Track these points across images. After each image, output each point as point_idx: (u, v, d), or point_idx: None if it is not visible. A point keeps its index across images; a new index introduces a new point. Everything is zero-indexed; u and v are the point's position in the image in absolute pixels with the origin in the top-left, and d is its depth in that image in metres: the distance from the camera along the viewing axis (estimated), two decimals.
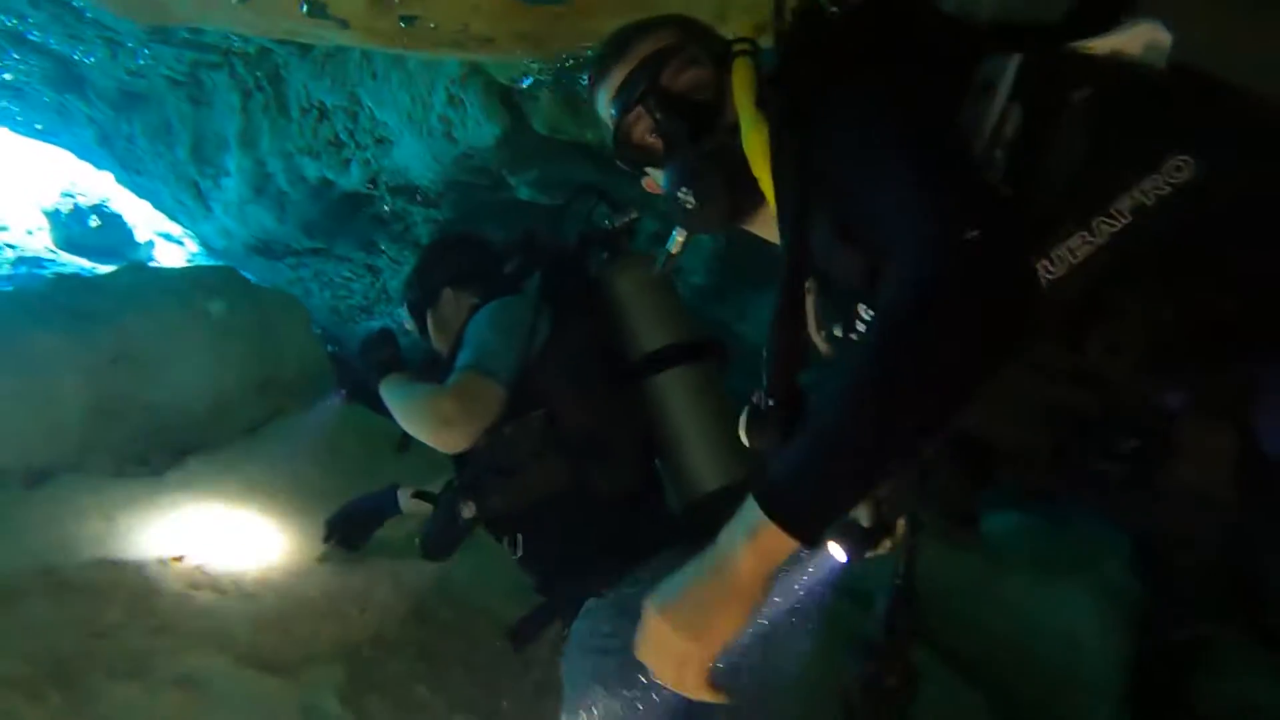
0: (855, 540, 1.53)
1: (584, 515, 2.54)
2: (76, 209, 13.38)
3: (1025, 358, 1.25)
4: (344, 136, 7.27)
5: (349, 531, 3.57)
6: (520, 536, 2.64)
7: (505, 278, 2.88)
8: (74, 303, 4.46)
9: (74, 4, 6.69)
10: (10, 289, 4.98)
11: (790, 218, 1.39)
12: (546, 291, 2.65)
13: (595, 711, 2.19)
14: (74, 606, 3.10)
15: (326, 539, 3.55)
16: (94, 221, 13.54)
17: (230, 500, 3.95)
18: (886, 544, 1.59)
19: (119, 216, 13.75)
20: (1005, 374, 1.12)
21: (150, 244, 14.19)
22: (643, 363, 2.54)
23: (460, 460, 2.66)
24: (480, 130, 5.85)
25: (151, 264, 6.12)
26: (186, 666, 2.97)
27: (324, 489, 4.02)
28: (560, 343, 2.57)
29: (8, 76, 8.56)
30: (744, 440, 1.50)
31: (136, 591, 3.22)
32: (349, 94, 6.78)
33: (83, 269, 12.32)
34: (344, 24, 3.13)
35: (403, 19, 3.04)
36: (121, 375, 4.40)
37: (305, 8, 2.95)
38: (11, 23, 7.22)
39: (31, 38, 7.56)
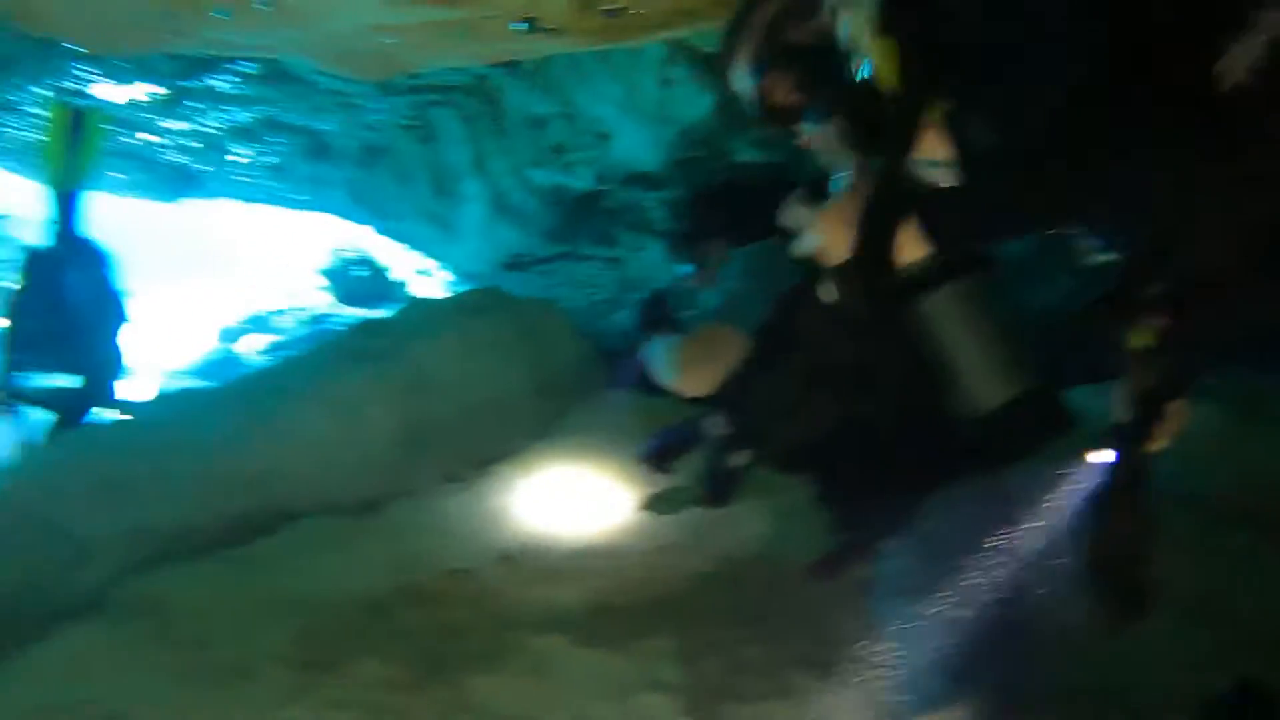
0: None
1: (865, 448, 2.54)
2: (346, 264, 14.63)
3: None
4: (565, 141, 7.54)
5: (661, 455, 3.64)
6: (808, 476, 2.67)
7: (761, 222, 2.90)
8: (368, 345, 4.90)
9: (308, 79, 7.30)
10: (316, 342, 5.53)
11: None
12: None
13: (913, 654, 2.20)
14: (430, 612, 3.44)
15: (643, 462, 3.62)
16: (362, 272, 14.74)
17: (542, 497, 4.24)
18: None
19: (377, 264, 14.89)
20: None
21: (409, 282, 15.27)
22: (910, 283, 2.51)
23: (725, 406, 2.72)
24: (695, 104, 5.94)
25: (422, 299, 6.66)
26: (534, 654, 3.22)
27: (624, 474, 4.25)
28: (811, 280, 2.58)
29: (271, 160, 9.46)
30: None
31: (480, 592, 3.54)
32: (562, 100, 7.03)
33: (363, 317, 13.45)
34: (556, 32, 3.27)
35: (607, 12, 3.14)
36: (418, 403, 4.80)
37: (525, 26, 3.11)
38: (267, 111, 7.96)
39: (283, 120, 8.31)
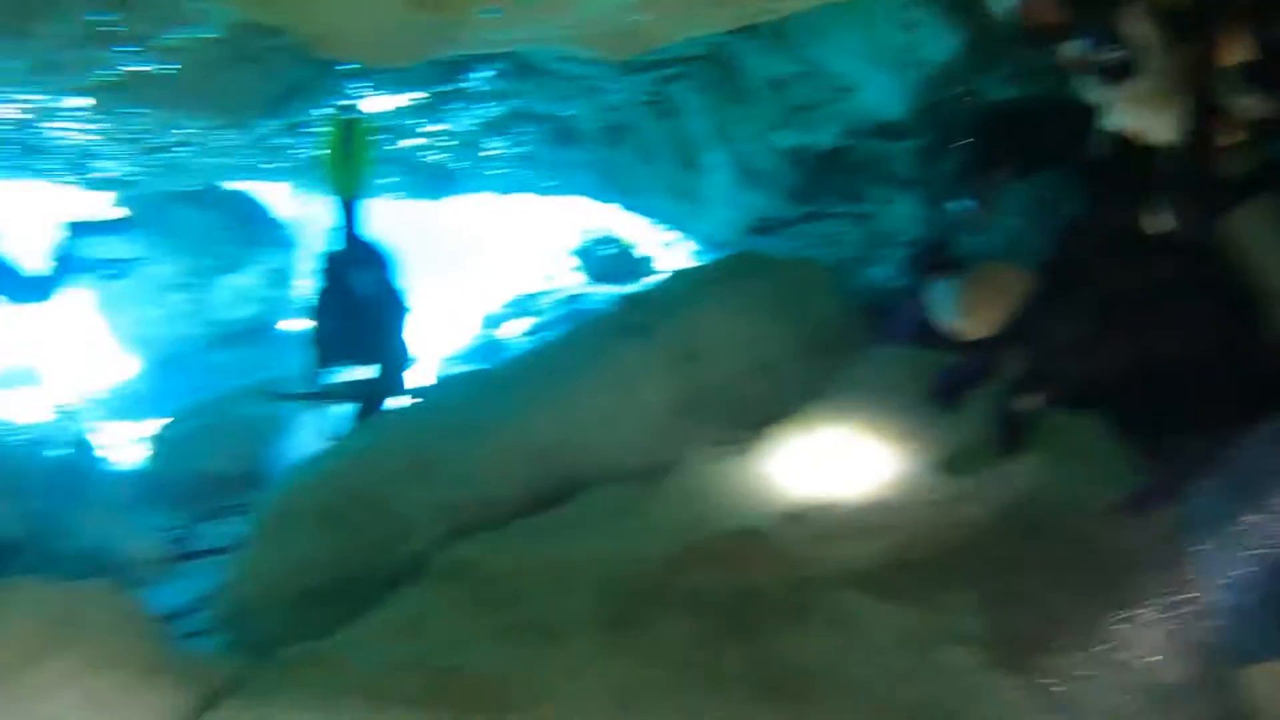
0: None
1: (1167, 382, 2.39)
2: (594, 244, 15.13)
3: None
4: (806, 100, 7.45)
5: (950, 389, 3.58)
6: (1104, 414, 2.55)
7: (1038, 155, 2.79)
8: (636, 318, 5.06)
9: (551, 69, 7.58)
10: (586, 320, 5.77)
11: None
12: (1077, 162, 2.53)
13: (1237, 599, 2.06)
14: (725, 572, 3.54)
15: (933, 396, 3.57)
16: (610, 250, 15.19)
17: (821, 456, 4.24)
18: None
19: (623, 241, 15.29)
20: None
21: (657, 256, 15.58)
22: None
23: (1013, 346, 2.63)
24: (943, 43, 5.71)
25: (683, 269, 6.82)
26: (834, 610, 3.25)
27: (902, 429, 4.19)
28: (1100, 208, 2.45)
29: (521, 150, 9.90)
30: None
31: (772, 551, 3.60)
32: (801, 59, 6.95)
33: (614, 293, 13.88)
34: None
35: None
36: (689, 370, 4.91)
37: None
38: (514, 104, 8.34)
39: (530, 110, 8.68)
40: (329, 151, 6.76)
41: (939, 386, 3.27)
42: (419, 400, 5.74)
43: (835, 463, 4.17)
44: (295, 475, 4.80)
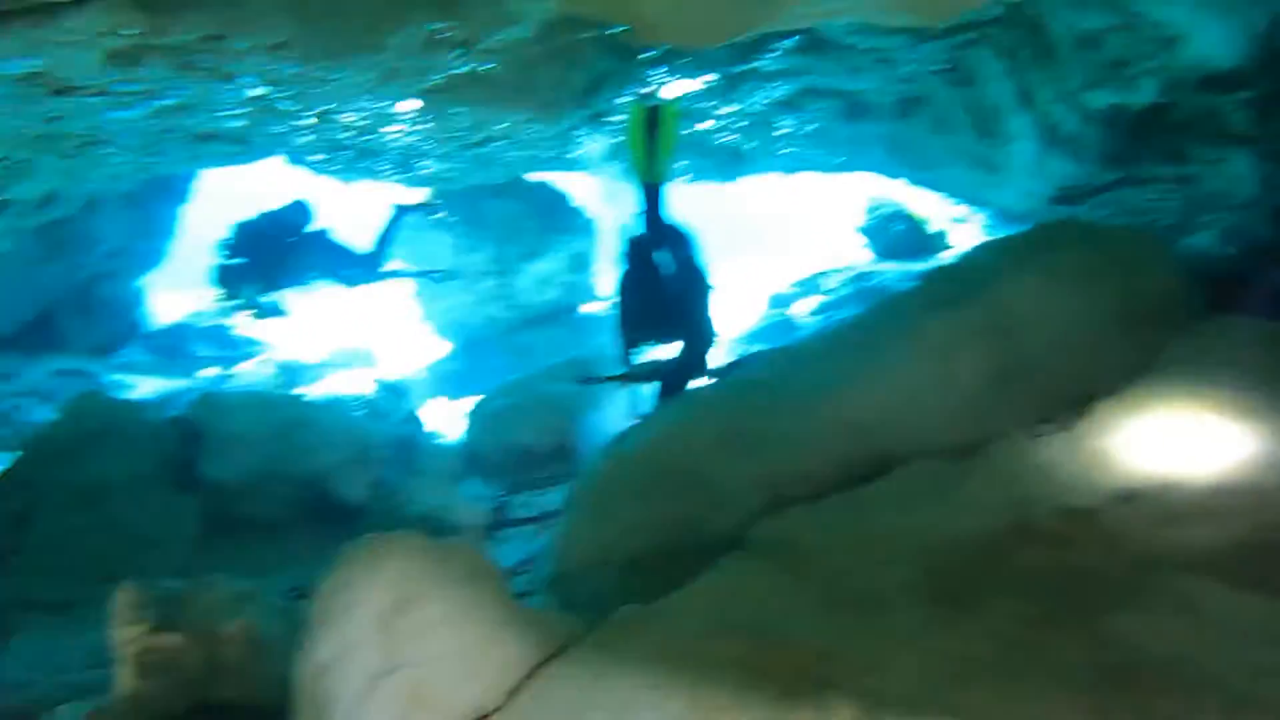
0: None
1: None
2: (881, 220, 14.81)
3: None
4: (1123, 55, 6.95)
5: None
6: None
7: None
8: (947, 291, 4.93)
9: (846, 42, 7.49)
10: (894, 292, 5.66)
11: None
12: None
13: None
14: (1054, 551, 3.40)
15: None
16: (899, 226, 14.82)
17: (1154, 435, 3.99)
18: None
19: (913, 216, 14.85)
20: None
21: (943, 232, 15.05)
22: None
23: None
24: None
25: (993, 239, 6.52)
26: (1180, 595, 3.05)
27: (1253, 405, 3.87)
28: None
29: (811, 127, 9.86)
30: None
31: (1105, 532, 3.42)
32: (1118, 9, 6.49)
33: (904, 270, 13.56)
34: None
35: None
36: (1005, 343, 4.73)
37: None
38: (807, 81, 8.33)
39: (821, 86, 8.62)
40: (632, 137, 6.99)
41: None
42: (729, 376, 5.82)
43: (1171, 441, 3.90)
44: (614, 448, 5.03)
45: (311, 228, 9.52)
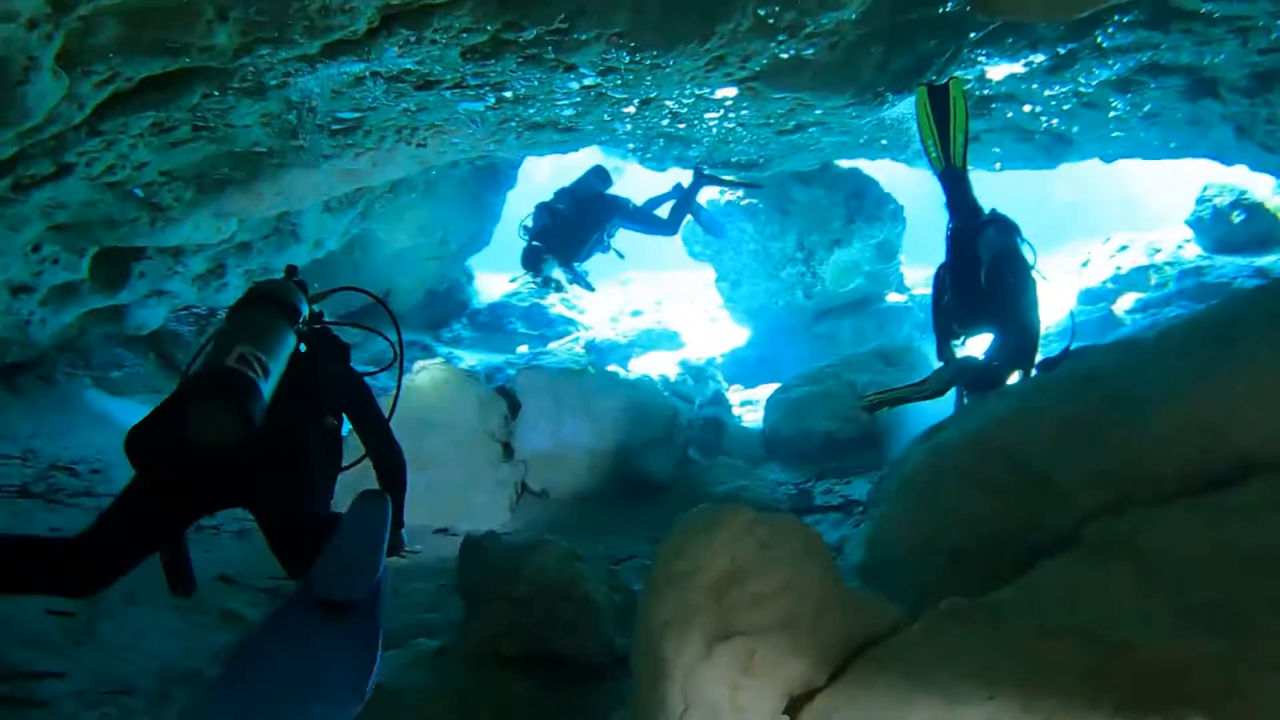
0: None
1: None
2: (1216, 211, 13.49)
3: None
4: None
5: None
6: None
7: None
8: None
9: (1200, 11, 6.87)
10: (1256, 288, 5.14)
11: None
12: None
13: None
14: None
15: None
16: (1235, 217, 13.44)
17: None
18: None
19: (1261, 205, 13.42)
20: None
21: None
22: None
23: None
24: None
25: None
26: None
27: None
28: None
29: (1146, 108, 9.13)
30: None
31: None
32: None
33: (1248, 262, 12.33)
34: None
35: None
36: None
37: None
38: (1148, 57, 7.72)
39: (1165, 62, 7.96)
40: (921, 125, 6.77)
41: None
42: (1060, 368, 5.53)
43: None
44: (932, 436, 4.91)
45: (612, 191, 10.11)
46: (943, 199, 6.80)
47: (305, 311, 3.74)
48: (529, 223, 10.07)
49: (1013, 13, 4.23)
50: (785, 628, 3.28)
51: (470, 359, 12.99)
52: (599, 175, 10.18)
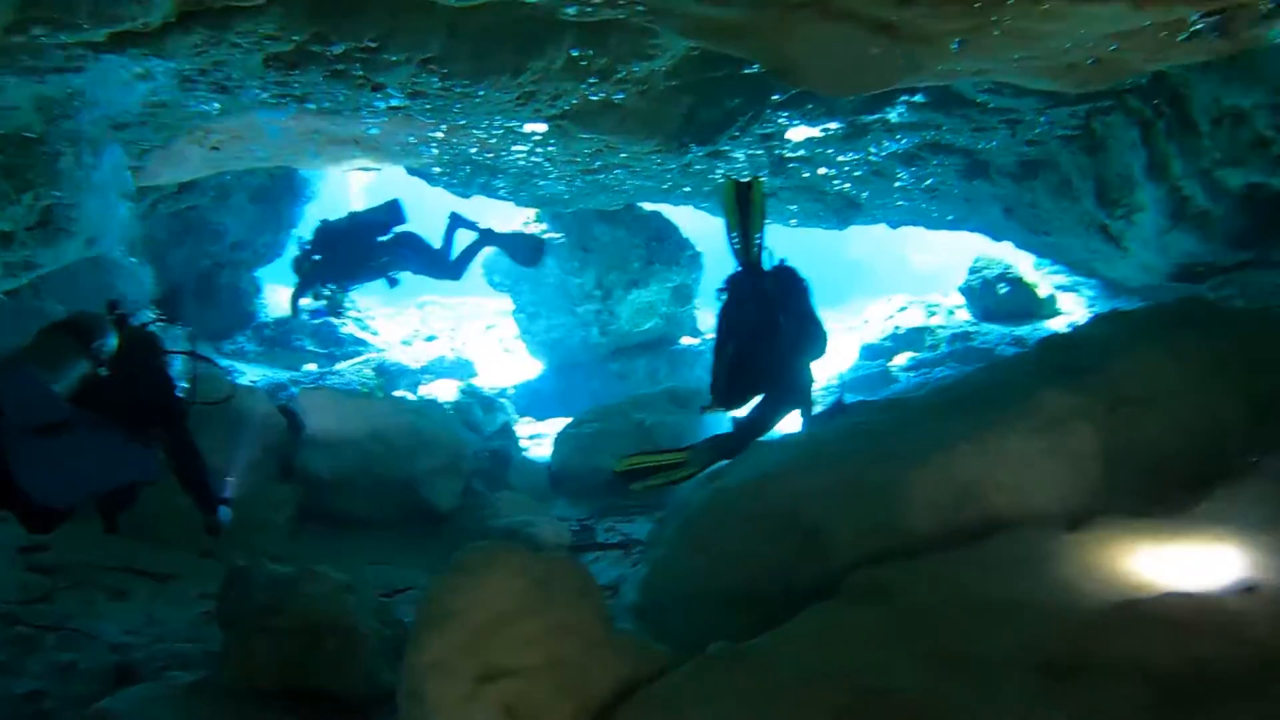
0: None
1: None
2: (985, 282, 14.58)
3: None
4: (1270, 134, 6.79)
5: None
6: None
7: None
8: (1066, 360, 4.85)
9: (977, 100, 7.45)
10: (1009, 356, 5.58)
11: None
12: None
13: None
14: (1169, 635, 3.30)
15: None
16: (1001, 289, 14.58)
17: (1275, 528, 3.85)
18: None
19: (1022, 280, 14.61)
20: None
21: (1052, 297, 14.77)
22: None
23: None
24: None
25: (1117, 311, 6.32)
26: None
27: None
28: None
29: (928, 182, 9.81)
30: None
31: (1226, 622, 3.31)
32: (1271, 88, 6.35)
33: (1007, 331, 13.35)
34: None
35: None
36: (1122, 419, 4.63)
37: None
38: (931, 135, 8.29)
39: (945, 142, 8.58)
40: (727, 216, 6.98)
41: None
42: (835, 422, 5.76)
43: None
44: (714, 483, 5.04)
45: (404, 229, 9.88)
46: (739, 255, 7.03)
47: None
48: (308, 238, 9.77)
49: (807, 83, 4.46)
50: (553, 670, 3.27)
51: (252, 374, 12.43)
52: (391, 209, 9.90)
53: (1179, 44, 3.78)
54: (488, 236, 10.28)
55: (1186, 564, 3.81)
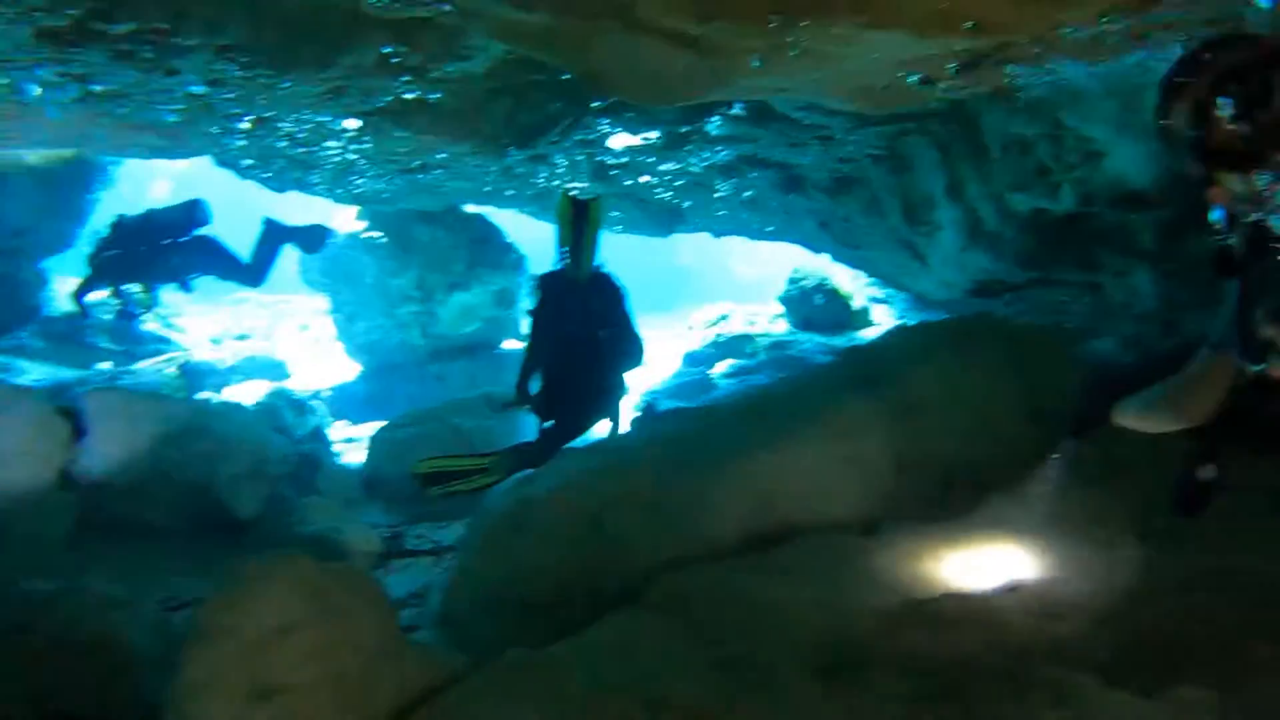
0: None
1: None
2: (805, 292, 15.07)
3: None
4: (1049, 163, 7.24)
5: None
6: None
7: None
8: (862, 370, 5.04)
9: (792, 117, 7.65)
10: (811, 365, 5.74)
11: None
12: None
13: None
14: (940, 633, 3.46)
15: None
16: (817, 300, 15.10)
17: (1041, 531, 4.10)
18: None
19: (837, 291, 15.17)
20: None
21: (866, 309, 15.39)
22: None
23: None
24: None
25: (910, 324, 6.63)
26: (1057, 689, 3.12)
27: (1121, 510, 4.02)
28: None
29: (747, 193, 10.03)
30: None
31: (990, 620, 3.49)
32: (1050, 120, 6.76)
33: (823, 340, 13.80)
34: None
35: None
36: (913, 427, 4.84)
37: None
38: (749, 149, 8.47)
39: (762, 156, 8.79)
40: (561, 230, 6.95)
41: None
42: (643, 430, 5.80)
43: (1058, 537, 4.03)
44: (519, 490, 4.99)
45: (206, 231, 9.40)
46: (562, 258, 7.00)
47: None
48: (104, 233, 9.19)
49: (615, 92, 4.47)
50: (334, 684, 3.14)
51: (35, 372, 11.56)
52: (192, 209, 9.38)
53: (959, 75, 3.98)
54: (272, 230, 9.83)
55: (963, 567, 4.02)
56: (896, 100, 4.25)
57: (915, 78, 3.83)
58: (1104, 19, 3.48)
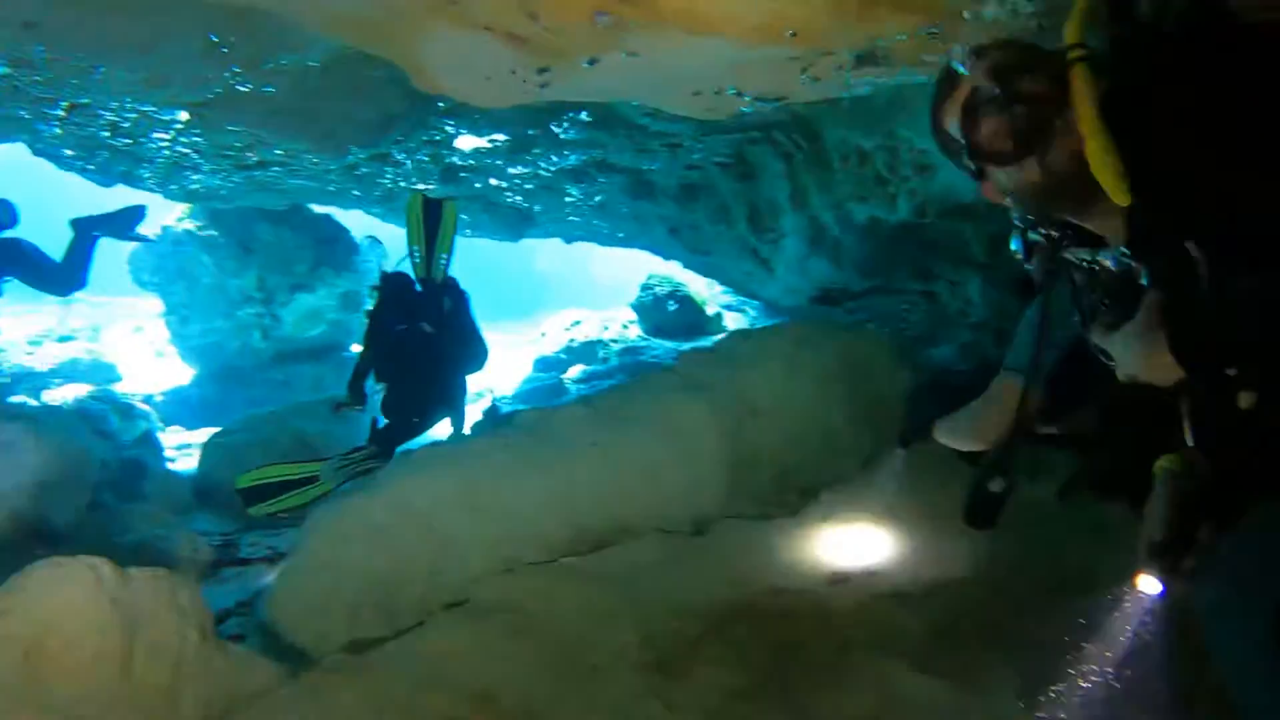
0: None
1: None
2: (657, 298, 15.23)
3: None
4: (886, 174, 7.50)
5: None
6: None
7: None
8: (698, 374, 5.10)
9: (638, 122, 7.72)
10: (647, 370, 5.80)
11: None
12: None
13: None
14: (767, 627, 3.54)
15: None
16: (670, 305, 15.29)
17: (869, 526, 4.24)
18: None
19: (690, 297, 15.39)
20: None
21: (719, 315, 15.65)
22: None
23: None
24: None
25: (746, 329, 6.77)
26: (875, 676, 3.23)
27: (947, 507, 4.17)
28: None
29: (597, 199, 10.06)
30: None
31: (814, 612, 3.59)
32: (885, 132, 7.01)
33: (674, 346, 13.96)
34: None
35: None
36: (746, 429, 4.93)
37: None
38: (597, 154, 8.50)
39: (611, 161, 8.83)
40: (410, 230, 6.85)
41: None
42: (478, 434, 5.79)
43: (883, 532, 4.17)
44: (348, 494, 4.86)
45: (12, 233, 8.75)
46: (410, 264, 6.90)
47: None
48: None
49: (447, 91, 4.41)
50: (132, 693, 2.99)
51: None
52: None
53: (792, 89, 4.08)
54: (80, 228, 9.18)
55: (793, 562, 4.11)
56: (730, 108, 4.33)
57: (746, 96, 3.93)
58: (923, 30, 3.62)
